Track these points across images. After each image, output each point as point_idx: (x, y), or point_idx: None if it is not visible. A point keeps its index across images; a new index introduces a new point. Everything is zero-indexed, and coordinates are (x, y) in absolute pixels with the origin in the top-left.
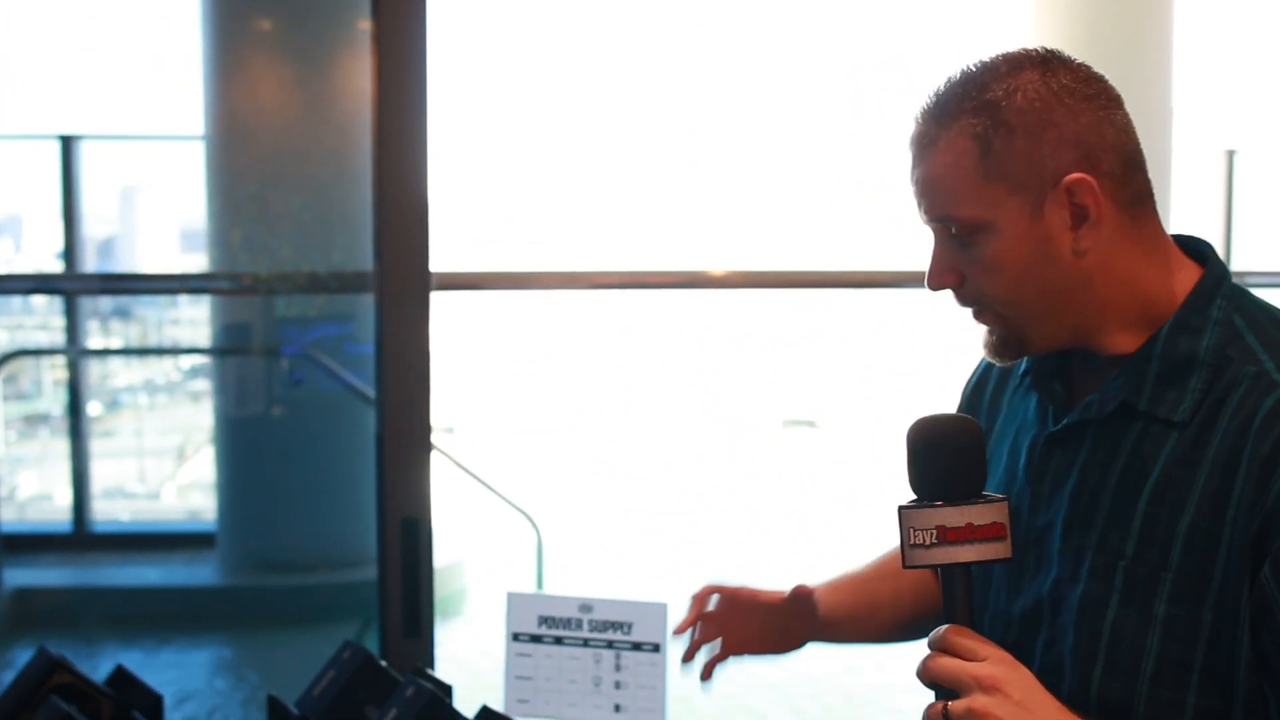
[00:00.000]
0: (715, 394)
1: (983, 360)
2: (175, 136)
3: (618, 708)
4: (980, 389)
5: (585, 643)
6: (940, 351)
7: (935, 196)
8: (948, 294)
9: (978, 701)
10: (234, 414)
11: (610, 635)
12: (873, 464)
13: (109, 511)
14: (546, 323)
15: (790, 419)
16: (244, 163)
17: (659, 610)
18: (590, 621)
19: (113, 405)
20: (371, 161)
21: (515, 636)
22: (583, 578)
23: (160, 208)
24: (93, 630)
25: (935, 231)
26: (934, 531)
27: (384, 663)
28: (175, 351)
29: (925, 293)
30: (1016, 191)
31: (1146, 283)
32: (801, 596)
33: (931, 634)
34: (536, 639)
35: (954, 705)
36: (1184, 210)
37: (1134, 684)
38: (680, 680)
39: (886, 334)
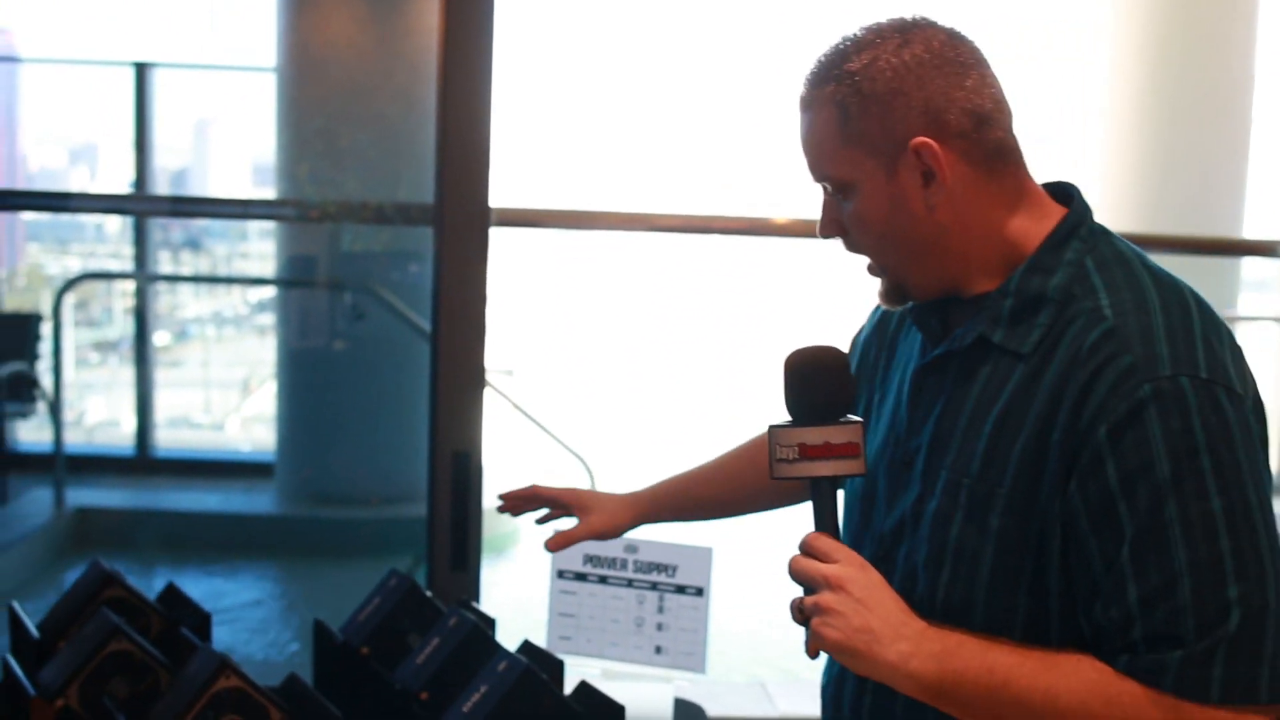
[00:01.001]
0: (769, 341)
1: (877, 307)
2: (248, 68)
3: (659, 649)
4: (881, 332)
5: (629, 583)
6: None
7: (810, 155)
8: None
9: (824, 598)
10: (296, 346)
11: (654, 577)
12: None
13: (174, 440)
14: (609, 264)
15: None
16: (313, 97)
17: (704, 554)
18: (635, 562)
19: (181, 336)
20: (435, 95)
21: (560, 574)
22: None
23: (232, 140)
24: (149, 551)
25: (821, 187)
26: (795, 448)
27: (429, 593)
28: (241, 281)
29: None
30: (873, 155)
31: (1006, 231)
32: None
33: (801, 539)
34: (581, 577)
35: (806, 599)
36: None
37: (973, 589)
38: (719, 624)
39: None
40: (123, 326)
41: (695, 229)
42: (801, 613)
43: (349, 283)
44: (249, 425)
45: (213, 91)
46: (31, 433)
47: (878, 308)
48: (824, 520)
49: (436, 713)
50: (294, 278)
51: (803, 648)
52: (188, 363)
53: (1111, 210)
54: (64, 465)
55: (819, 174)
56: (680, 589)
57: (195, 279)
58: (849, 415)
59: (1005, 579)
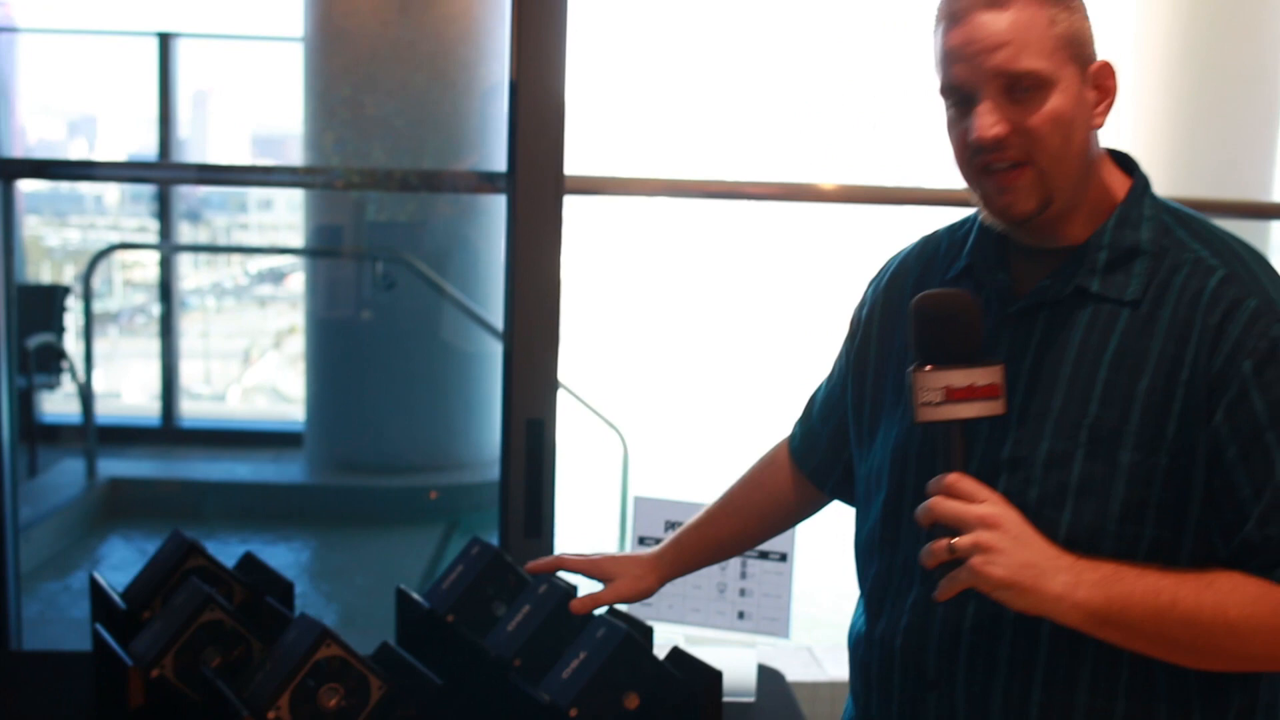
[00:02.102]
0: (811, 310)
1: (882, 281)
2: (273, 38)
3: (741, 615)
4: (895, 288)
5: None
6: None
7: (1007, 50)
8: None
9: (983, 537)
10: (325, 316)
11: None
12: None
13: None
14: (644, 231)
15: None
16: (339, 66)
17: None
18: None
19: (180, 307)
20: (509, 61)
21: (641, 540)
22: (668, 494)
23: (231, 111)
24: (183, 521)
25: (989, 89)
26: (942, 391)
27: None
28: (269, 251)
29: None
30: (1073, 60)
31: (1104, 176)
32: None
33: (931, 483)
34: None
35: (959, 540)
36: None
37: (1103, 522)
38: (803, 590)
39: None
40: (122, 298)
41: (735, 194)
42: (952, 553)
43: (378, 252)
44: (249, 396)
45: (212, 62)
46: (49, 404)
47: (878, 278)
48: (959, 462)
49: (531, 680)
50: (321, 247)
51: (934, 591)
52: (187, 333)
53: None
54: (95, 436)
55: (1009, 69)
56: (763, 555)
57: (224, 249)
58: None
59: (1134, 511)
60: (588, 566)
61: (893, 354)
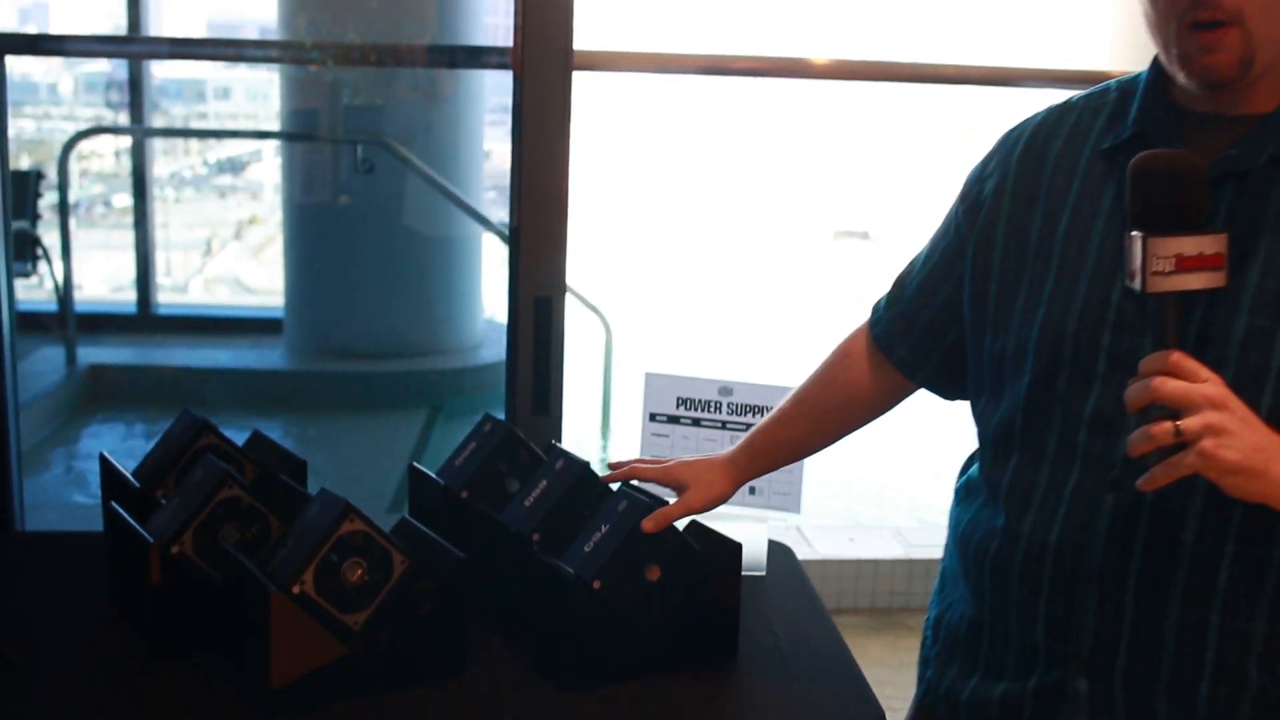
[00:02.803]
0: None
1: (1014, 153)
2: None
3: (752, 490)
4: (1034, 149)
5: (723, 425)
6: None
7: None
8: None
9: (1212, 418)
10: (302, 201)
11: (749, 419)
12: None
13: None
14: (618, 107)
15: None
16: None
17: None
18: (729, 404)
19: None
20: None
21: (652, 417)
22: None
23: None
24: (165, 407)
25: None
26: (1173, 259)
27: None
28: (247, 135)
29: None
30: None
31: None
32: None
33: (1145, 361)
34: (674, 420)
35: (1187, 422)
36: None
37: None
38: (813, 466)
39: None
40: (79, 188)
41: (720, 69)
42: (1178, 435)
43: (355, 135)
44: (211, 286)
45: None
46: (23, 294)
47: (1016, 137)
48: (1170, 339)
49: (552, 554)
50: (298, 130)
51: (1142, 478)
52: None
53: None
54: (74, 324)
55: None
56: None
57: (203, 133)
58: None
59: None
60: (660, 474)
61: (1030, 229)
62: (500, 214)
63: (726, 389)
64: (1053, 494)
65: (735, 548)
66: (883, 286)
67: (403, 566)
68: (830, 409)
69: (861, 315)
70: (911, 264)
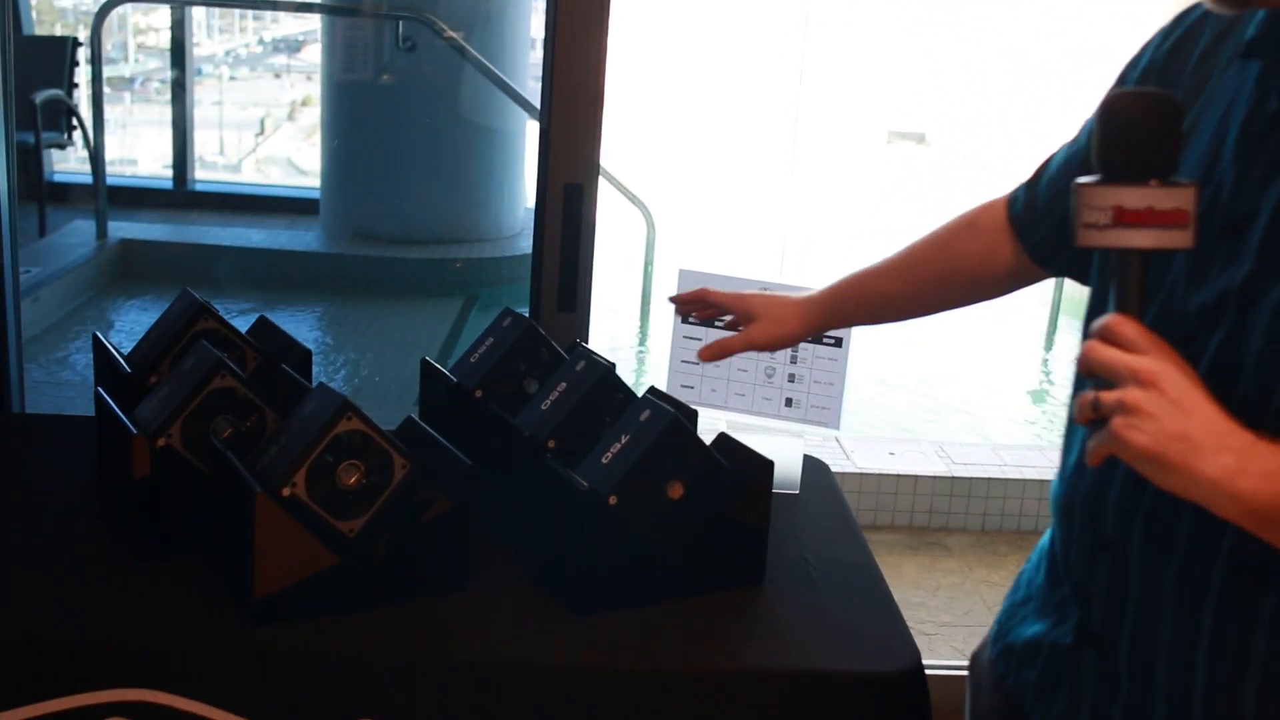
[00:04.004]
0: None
1: (1184, 22)
2: None
3: (789, 402)
4: (1182, 52)
5: None
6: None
7: None
8: None
9: (1131, 395)
10: (342, 79)
11: None
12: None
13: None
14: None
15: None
16: None
17: None
18: None
19: (193, 73)
20: None
21: (685, 317)
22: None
23: None
24: (193, 285)
25: None
26: (1110, 211)
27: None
28: (285, 7)
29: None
30: None
31: None
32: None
33: (1095, 323)
34: (708, 322)
35: (1105, 395)
36: None
37: None
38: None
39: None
40: (135, 64)
41: None
42: (1096, 410)
43: (398, 11)
44: (264, 166)
45: None
46: (61, 165)
47: (1168, 28)
48: (1129, 302)
49: (567, 463)
50: (340, 3)
51: (1084, 455)
52: (201, 102)
53: None
54: (105, 196)
55: None
56: (816, 338)
57: (238, 3)
58: (1176, 178)
59: None
60: (732, 301)
61: None
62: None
63: (765, 288)
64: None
65: (766, 465)
66: (938, 193)
67: (404, 471)
68: (939, 274)
69: (917, 222)
70: (1060, 149)
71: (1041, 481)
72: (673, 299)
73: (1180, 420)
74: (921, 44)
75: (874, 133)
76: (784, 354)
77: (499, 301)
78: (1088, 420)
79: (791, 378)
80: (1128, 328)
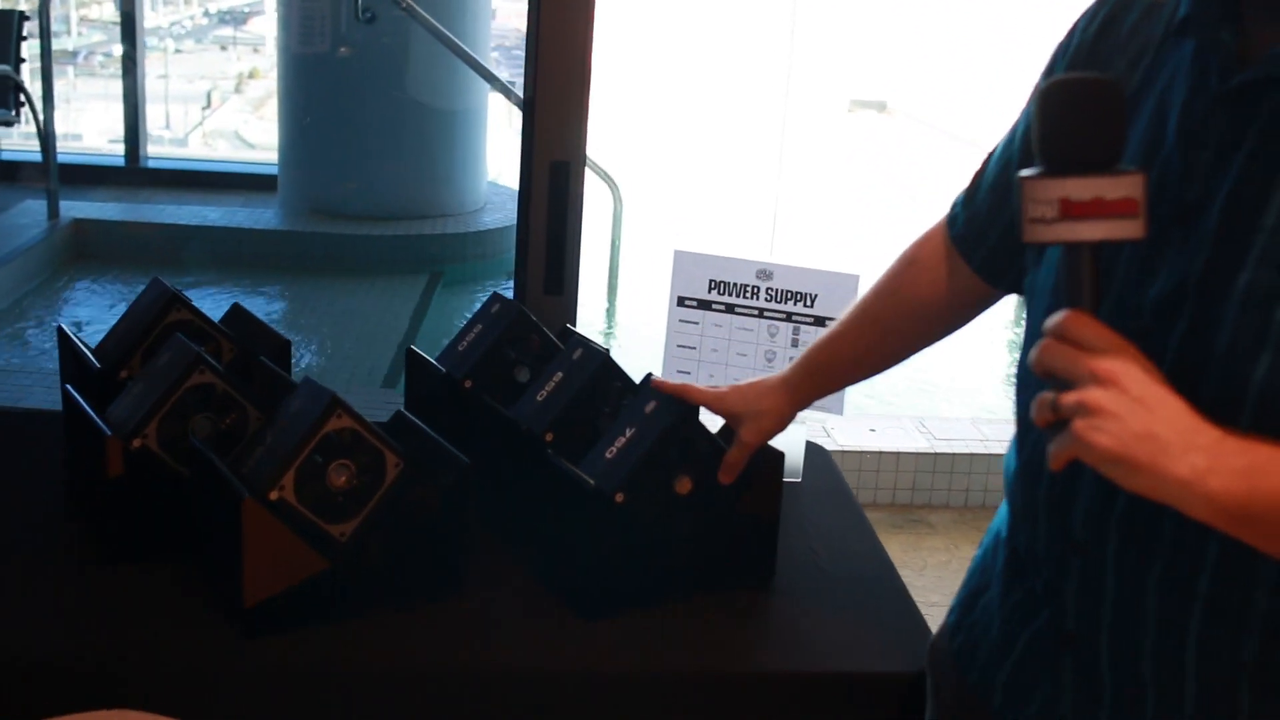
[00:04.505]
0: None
1: (1091, 25)
2: None
3: None
4: (1110, 31)
5: (760, 313)
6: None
7: None
8: None
9: (1091, 395)
10: (299, 52)
11: (790, 307)
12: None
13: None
14: None
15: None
16: None
17: (848, 282)
18: (768, 290)
19: (142, 45)
20: None
21: (680, 301)
22: (659, 250)
23: None
24: (154, 266)
25: None
26: (1056, 204)
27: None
28: None
29: None
30: None
31: None
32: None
33: (1048, 320)
34: (705, 305)
35: (1065, 397)
36: None
37: None
38: None
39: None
40: (79, 38)
41: None
42: (1055, 411)
43: None
44: (211, 140)
45: None
46: (7, 142)
47: (1093, 8)
48: (1082, 297)
49: (567, 458)
50: None
51: (1046, 458)
52: (147, 76)
53: None
54: (56, 175)
55: None
56: (819, 320)
57: None
58: (1123, 166)
59: None
60: (713, 401)
61: None
62: (505, 74)
63: (765, 272)
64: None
65: (776, 456)
66: (898, 161)
67: (397, 469)
68: (896, 321)
69: (874, 193)
70: (991, 153)
71: None
72: (654, 384)
73: (1144, 418)
74: (881, 12)
75: (835, 102)
76: (785, 338)
77: (464, 279)
78: (1047, 423)
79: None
80: (1083, 325)
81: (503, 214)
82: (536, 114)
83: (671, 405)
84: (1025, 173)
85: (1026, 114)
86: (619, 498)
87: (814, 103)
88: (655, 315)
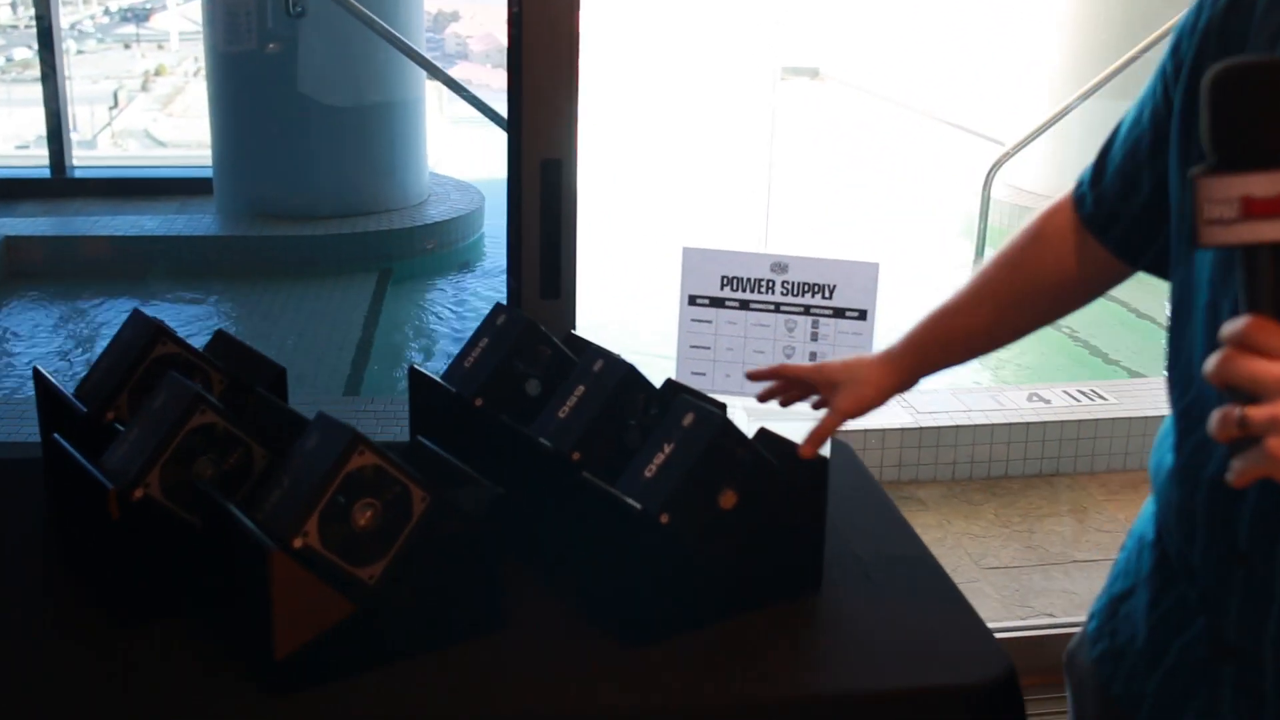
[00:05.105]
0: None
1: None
2: None
3: None
4: (1241, 5)
5: (776, 308)
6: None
7: None
8: None
9: None
10: (226, 50)
11: (807, 299)
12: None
13: (41, 159)
14: None
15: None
16: None
17: (868, 271)
18: (784, 283)
19: (60, 45)
20: None
21: (692, 300)
22: (603, 228)
23: None
24: (91, 281)
25: None
26: (1237, 203)
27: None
28: None
29: None
30: None
31: None
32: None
33: (1227, 327)
34: (718, 303)
35: (1254, 411)
36: None
37: None
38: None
39: None
40: None
41: None
42: (1243, 427)
43: None
44: (121, 140)
45: None
46: None
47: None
48: (1263, 302)
49: (596, 477)
50: None
51: (1208, 465)
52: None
53: None
54: None
55: None
56: (838, 312)
57: None
58: None
59: None
60: (811, 373)
61: None
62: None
63: (780, 265)
64: (1212, 446)
65: (820, 463)
66: (830, 130)
67: (424, 504)
68: (1018, 296)
69: (808, 156)
70: (1115, 130)
71: (1008, 425)
72: (750, 375)
73: None
74: None
75: (766, 69)
76: (804, 332)
77: (416, 274)
78: (1232, 439)
79: (813, 356)
80: (1268, 332)
81: (447, 205)
82: (524, 110)
83: (711, 417)
84: (1199, 171)
85: (1153, 88)
86: (664, 519)
87: (741, 69)
88: (630, 314)
